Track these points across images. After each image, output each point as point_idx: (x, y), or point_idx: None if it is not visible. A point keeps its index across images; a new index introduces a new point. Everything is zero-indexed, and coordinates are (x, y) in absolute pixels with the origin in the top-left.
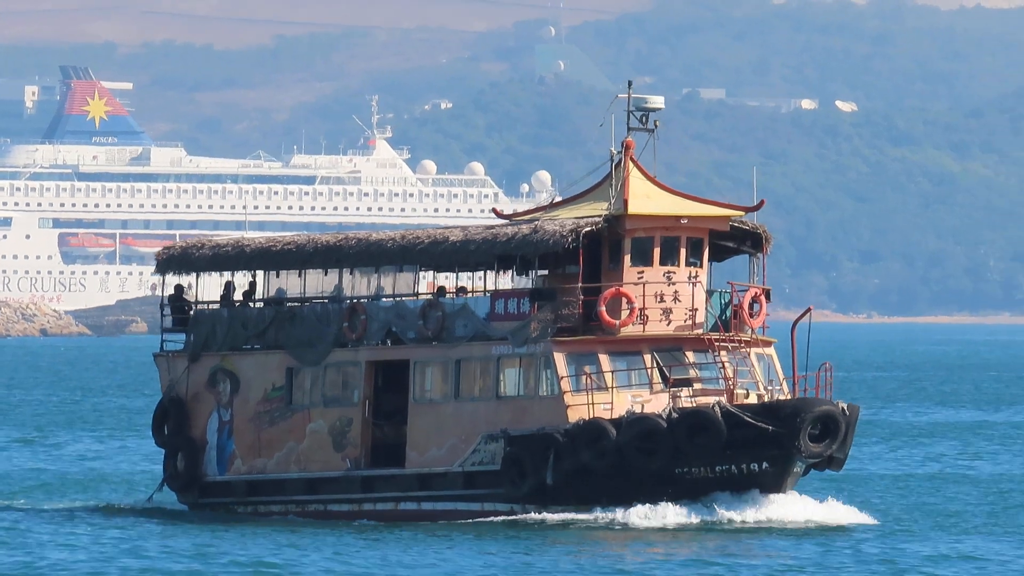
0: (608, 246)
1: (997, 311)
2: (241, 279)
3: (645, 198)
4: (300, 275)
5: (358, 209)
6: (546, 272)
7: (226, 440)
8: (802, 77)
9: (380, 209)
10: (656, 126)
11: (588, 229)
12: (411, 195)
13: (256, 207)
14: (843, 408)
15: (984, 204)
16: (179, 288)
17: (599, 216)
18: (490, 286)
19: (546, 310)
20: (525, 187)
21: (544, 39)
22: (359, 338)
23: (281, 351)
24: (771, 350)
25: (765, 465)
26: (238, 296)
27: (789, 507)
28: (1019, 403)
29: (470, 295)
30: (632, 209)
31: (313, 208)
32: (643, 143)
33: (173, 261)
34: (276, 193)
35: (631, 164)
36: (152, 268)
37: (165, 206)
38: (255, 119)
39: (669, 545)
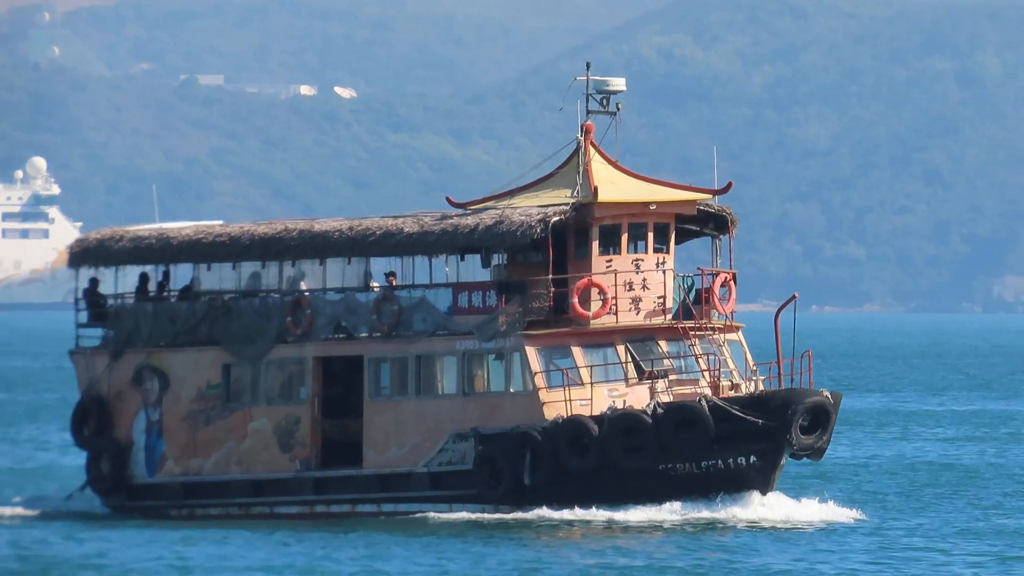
0: (574, 235)
1: None
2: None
3: (611, 184)
4: (235, 268)
5: None
6: (504, 262)
7: (155, 440)
8: (301, 63)
9: None
10: (619, 108)
11: (557, 218)
12: None
13: None
14: (829, 397)
15: (484, 190)
16: (94, 281)
17: (566, 204)
18: (440, 277)
19: (514, 303)
20: (20, 174)
21: (39, 24)
22: (304, 333)
23: (216, 347)
24: (740, 335)
25: (753, 459)
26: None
27: (777, 503)
28: None
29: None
30: (602, 196)
31: None
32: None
33: (88, 254)
34: None
35: (592, 149)
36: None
37: None
38: None
39: (653, 544)
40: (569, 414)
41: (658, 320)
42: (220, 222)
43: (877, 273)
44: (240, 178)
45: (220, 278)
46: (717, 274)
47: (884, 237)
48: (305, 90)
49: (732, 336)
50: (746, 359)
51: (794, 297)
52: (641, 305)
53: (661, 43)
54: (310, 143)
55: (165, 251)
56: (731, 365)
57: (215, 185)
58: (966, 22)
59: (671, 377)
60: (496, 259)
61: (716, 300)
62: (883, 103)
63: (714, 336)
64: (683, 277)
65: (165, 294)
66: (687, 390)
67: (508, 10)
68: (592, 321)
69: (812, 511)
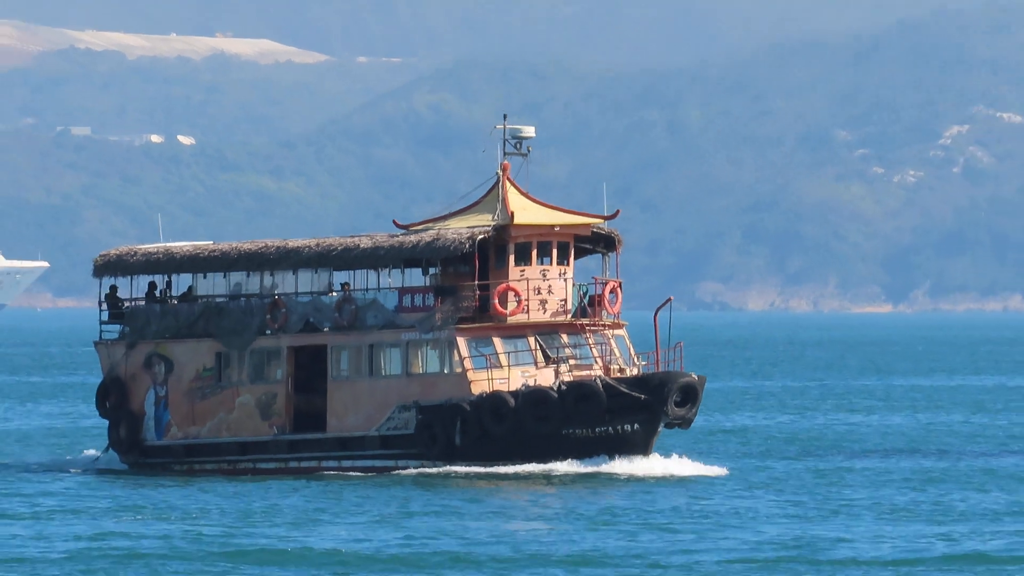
0: (494, 250)
1: None
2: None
3: (523, 210)
4: (225, 276)
5: None
6: (438, 271)
7: (162, 411)
8: (152, 118)
9: None
10: (529, 151)
11: (482, 236)
12: None
13: None
14: (696, 378)
15: (296, 216)
16: (114, 288)
17: (489, 226)
18: (380, 285)
19: (448, 303)
20: None
21: None
22: (280, 327)
23: (211, 339)
24: (624, 331)
25: (636, 426)
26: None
27: (654, 462)
28: None
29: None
30: (517, 220)
31: None
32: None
33: (109, 266)
34: None
35: (508, 183)
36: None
37: None
38: None
39: (557, 493)
40: (491, 390)
41: (560, 318)
42: (211, 241)
43: None
44: (105, 208)
45: (213, 285)
46: (607, 283)
47: None
48: (155, 138)
49: (619, 331)
50: (629, 349)
51: (669, 300)
52: (547, 306)
53: (431, 100)
54: (159, 180)
55: (169, 264)
56: (617, 354)
57: (85, 214)
58: (673, 82)
59: (571, 362)
60: (432, 269)
61: (606, 303)
62: (607, 147)
63: (604, 331)
64: (580, 285)
65: (168, 298)
66: (584, 373)
67: (313, 76)
68: (509, 318)
69: (680, 467)
